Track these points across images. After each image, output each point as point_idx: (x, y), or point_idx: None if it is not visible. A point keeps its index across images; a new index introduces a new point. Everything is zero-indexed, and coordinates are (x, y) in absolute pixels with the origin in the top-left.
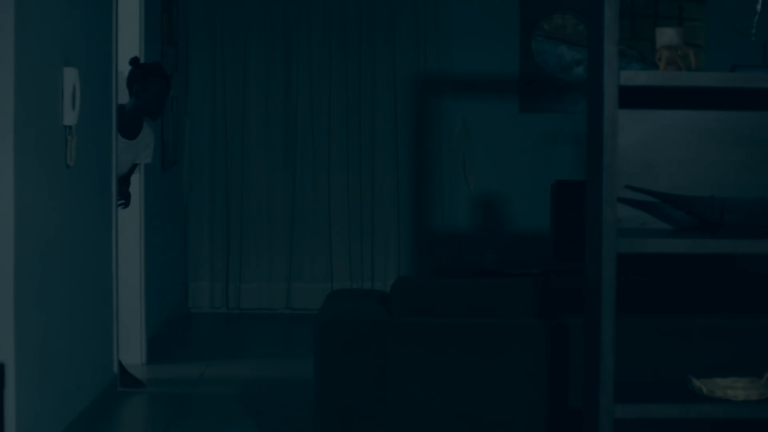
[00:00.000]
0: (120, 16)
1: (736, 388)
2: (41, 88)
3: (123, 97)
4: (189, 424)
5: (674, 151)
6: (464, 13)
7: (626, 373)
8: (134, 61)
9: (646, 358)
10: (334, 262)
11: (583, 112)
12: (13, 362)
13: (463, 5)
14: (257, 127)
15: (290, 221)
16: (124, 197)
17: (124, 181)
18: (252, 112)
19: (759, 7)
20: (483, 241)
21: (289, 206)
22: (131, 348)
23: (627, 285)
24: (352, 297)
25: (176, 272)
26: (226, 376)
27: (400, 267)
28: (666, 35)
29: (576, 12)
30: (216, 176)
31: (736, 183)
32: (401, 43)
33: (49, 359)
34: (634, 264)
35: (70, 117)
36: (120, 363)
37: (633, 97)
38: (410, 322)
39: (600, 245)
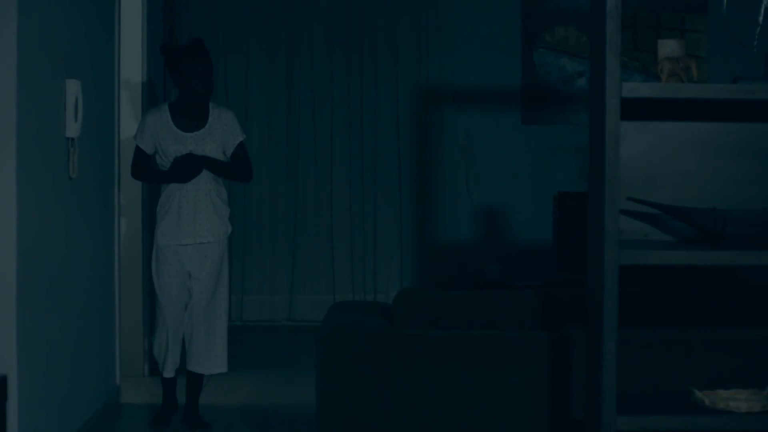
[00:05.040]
0: (122, 27)
1: (738, 400)
2: (43, 100)
3: (126, 107)
4: None
5: (676, 162)
6: (466, 25)
7: (628, 384)
8: (164, 48)
9: (649, 370)
10: (336, 274)
11: (585, 124)
12: (15, 374)
13: (465, 17)
14: (259, 139)
15: (292, 233)
16: (186, 174)
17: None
18: (254, 124)
19: (761, 18)
20: (485, 252)
21: (291, 218)
22: (133, 360)
23: (629, 296)
24: (354, 309)
25: None
26: (228, 388)
27: (402, 279)
28: (668, 47)
29: (578, 23)
30: None
31: (738, 194)
32: (403, 54)
33: (51, 371)
34: (636, 276)
35: (72, 129)
36: (191, 401)
37: (635, 109)
38: (412, 333)
39: (602, 257)
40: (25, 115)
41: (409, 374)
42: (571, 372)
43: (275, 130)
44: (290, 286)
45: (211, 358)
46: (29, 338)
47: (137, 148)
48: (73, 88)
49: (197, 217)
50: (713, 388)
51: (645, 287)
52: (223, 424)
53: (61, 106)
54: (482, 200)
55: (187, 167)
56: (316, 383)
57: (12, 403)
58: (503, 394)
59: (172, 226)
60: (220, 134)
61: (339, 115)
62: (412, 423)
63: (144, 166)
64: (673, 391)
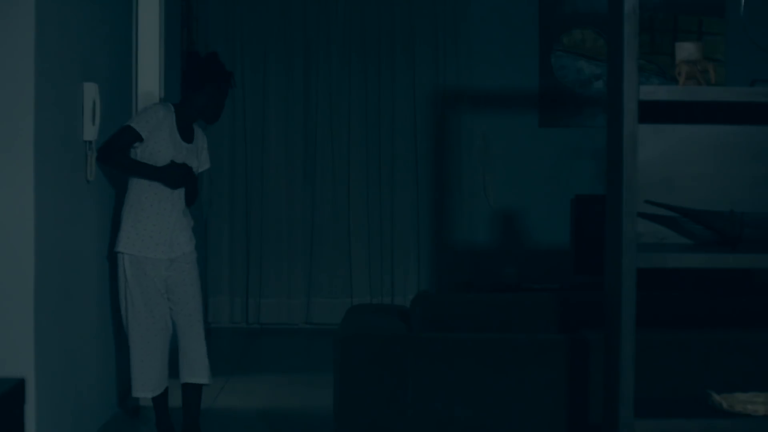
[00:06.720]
0: (140, 30)
1: (756, 403)
2: (61, 103)
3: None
4: None
5: (694, 165)
6: (484, 28)
7: (646, 388)
8: (193, 57)
9: (666, 373)
10: (353, 276)
11: (603, 127)
12: (33, 377)
13: (482, 20)
14: (277, 142)
15: (310, 236)
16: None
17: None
18: (272, 127)
19: None
20: (503, 255)
21: (308, 221)
22: None
23: (647, 300)
24: (371, 312)
25: None
26: (245, 391)
27: (419, 282)
28: (685, 50)
29: (595, 26)
30: (236, 191)
31: (756, 197)
32: (421, 57)
33: (69, 374)
34: (653, 279)
35: (90, 132)
36: (193, 415)
37: (653, 112)
38: (430, 336)
39: (620, 260)
40: (43, 118)
41: (427, 377)
42: (588, 375)
43: (293, 133)
44: (307, 289)
45: (207, 364)
46: (47, 341)
47: (132, 131)
48: (90, 92)
49: (175, 230)
50: (731, 391)
51: (662, 290)
52: (240, 427)
53: (79, 109)
54: (499, 203)
55: (182, 177)
56: (334, 386)
57: (30, 407)
58: (521, 397)
59: (156, 237)
60: (200, 154)
61: (356, 118)
62: (429, 426)
63: (126, 151)
64: (691, 394)
